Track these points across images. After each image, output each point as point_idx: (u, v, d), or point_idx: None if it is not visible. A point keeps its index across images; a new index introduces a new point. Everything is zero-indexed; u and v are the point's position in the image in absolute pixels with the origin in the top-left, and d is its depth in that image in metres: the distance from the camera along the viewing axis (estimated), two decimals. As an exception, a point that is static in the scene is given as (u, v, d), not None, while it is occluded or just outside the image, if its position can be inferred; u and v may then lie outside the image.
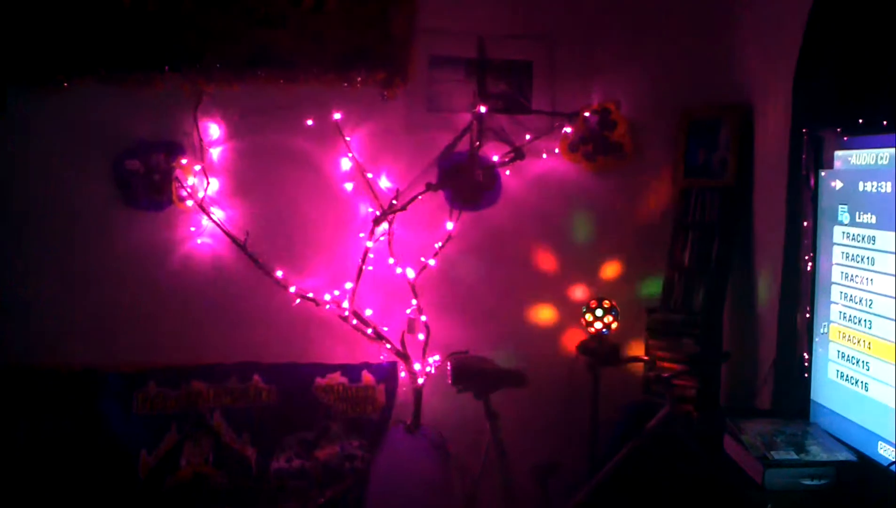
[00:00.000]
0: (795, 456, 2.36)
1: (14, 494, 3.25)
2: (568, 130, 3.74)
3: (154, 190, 3.65)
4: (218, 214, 3.66)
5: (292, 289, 3.67)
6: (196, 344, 3.67)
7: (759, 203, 3.41)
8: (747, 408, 3.23)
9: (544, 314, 3.85)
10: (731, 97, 3.58)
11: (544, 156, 3.75)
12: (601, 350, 3.63)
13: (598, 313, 3.61)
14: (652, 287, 3.79)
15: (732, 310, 3.55)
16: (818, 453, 2.38)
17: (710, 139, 3.60)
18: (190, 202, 3.64)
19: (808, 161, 2.67)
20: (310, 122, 3.65)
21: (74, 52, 3.54)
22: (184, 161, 3.64)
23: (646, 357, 3.61)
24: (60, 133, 3.61)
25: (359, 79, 3.67)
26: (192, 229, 3.68)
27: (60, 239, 3.64)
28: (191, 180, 3.63)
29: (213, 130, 3.67)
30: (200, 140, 3.63)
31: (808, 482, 2.31)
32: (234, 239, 3.65)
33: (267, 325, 3.71)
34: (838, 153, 2.54)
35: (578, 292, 3.84)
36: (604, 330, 3.61)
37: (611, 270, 3.84)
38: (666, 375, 3.37)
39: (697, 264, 3.58)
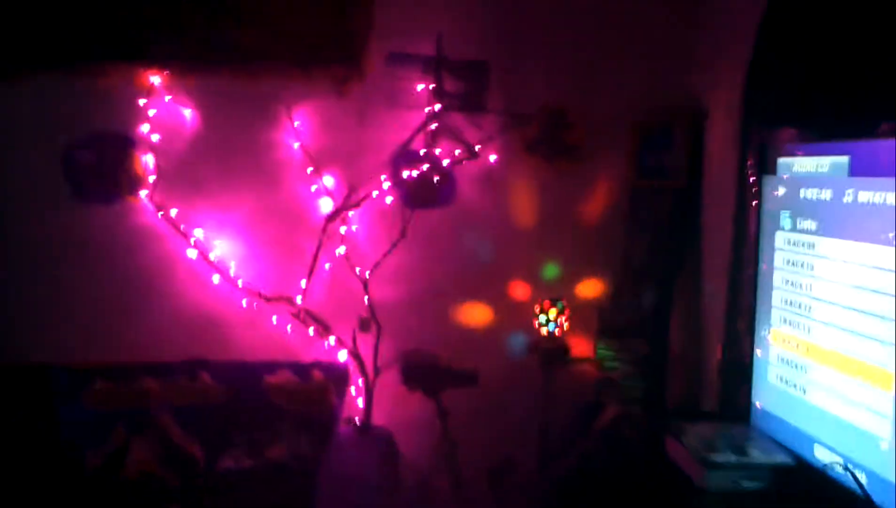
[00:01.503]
0: (735, 459, 2.40)
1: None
2: (524, 130, 3.74)
3: (105, 182, 3.60)
4: (169, 208, 3.61)
5: (241, 284, 3.63)
6: (145, 341, 3.64)
7: (708, 206, 3.45)
8: (692, 410, 3.27)
9: (497, 314, 3.86)
10: (685, 101, 3.61)
11: (499, 156, 3.75)
12: (552, 350, 3.65)
13: (551, 313, 3.62)
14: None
15: (681, 312, 3.59)
16: (757, 455, 2.42)
17: (662, 142, 3.63)
18: (142, 194, 3.59)
19: (753, 167, 2.70)
20: (265, 116, 3.62)
21: (23, 42, 3.48)
22: (135, 153, 3.58)
23: (595, 357, 3.63)
24: (7, 125, 3.54)
25: (315, 74, 3.64)
26: (143, 222, 3.63)
27: (9, 233, 3.59)
28: (142, 174, 3.58)
29: (166, 122, 3.61)
30: (153, 132, 3.58)
31: (747, 484, 2.35)
32: (184, 234, 3.60)
33: (217, 322, 3.68)
34: (781, 160, 2.59)
35: (531, 292, 3.84)
36: (554, 330, 3.62)
37: (564, 269, 3.85)
38: (614, 375, 3.40)
39: (647, 264, 3.62)
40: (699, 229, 3.49)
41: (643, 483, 2.63)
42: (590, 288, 3.84)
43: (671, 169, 3.60)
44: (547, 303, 3.63)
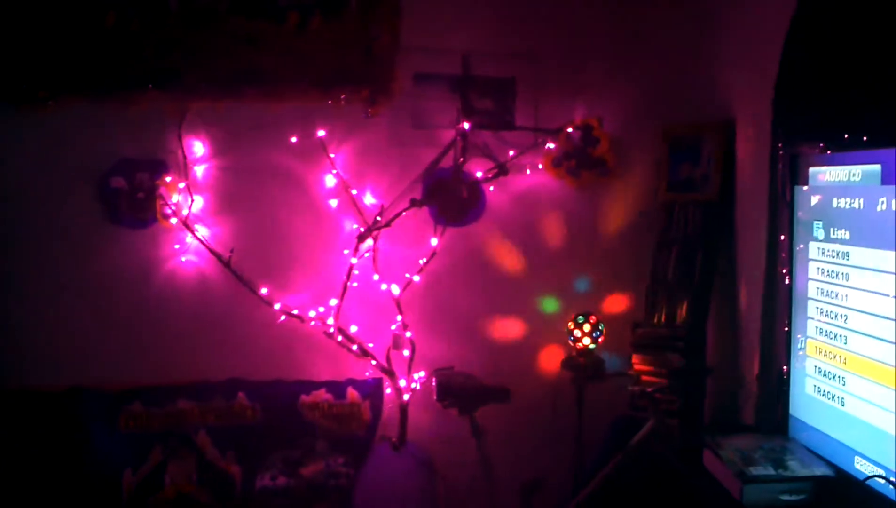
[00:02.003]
0: (773, 472, 2.37)
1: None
2: (551, 145, 3.76)
3: (138, 208, 3.66)
4: (202, 231, 3.67)
5: (277, 306, 3.67)
6: (181, 362, 3.67)
7: (741, 218, 3.42)
8: (730, 423, 3.24)
9: (529, 330, 3.86)
10: (714, 113, 3.59)
11: (528, 172, 3.77)
12: (586, 366, 3.63)
13: (585, 328, 3.61)
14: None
15: (717, 324, 3.56)
16: (796, 468, 2.39)
17: (692, 155, 3.62)
18: (174, 220, 3.65)
19: (785, 177, 2.69)
20: (294, 139, 3.66)
21: (58, 70, 3.56)
22: (168, 179, 3.65)
23: (630, 372, 3.61)
24: (44, 152, 3.61)
25: (342, 96, 3.68)
26: (177, 246, 3.69)
27: (45, 258, 3.65)
28: (175, 198, 3.64)
29: (198, 147, 3.68)
30: (184, 158, 3.65)
31: (786, 497, 2.32)
32: (218, 256, 3.65)
33: (252, 342, 3.71)
34: (813, 170, 2.57)
35: (562, 308, 3.83)
36: (590, 345, 3.61)
37: (595, 285, 3.85)
38: (650, 390, 3.38)
39: (681, 278, 3.59)
40: (733, 241, 3.47)
41: (680, 498, 2.61)
42: (624, 303, 3.82)
43: (702, 181, 3.58)
44: (580, 318, 3.62)
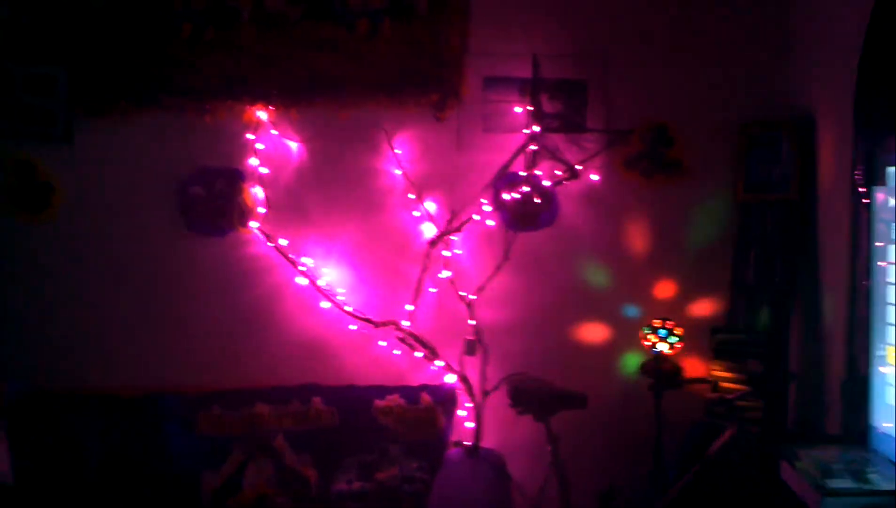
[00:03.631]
0: (854, 485, 2.28)
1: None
2: (624, 147, 3.69)
3: (217, 215, 3.74)
4: (278, 237, 3.72)
5: (351, 311, 3.70)
6: (258, 367, 3.74)
7: (823, 219, 3.32)
8: (815, 433, 3.14)
9: (603, 334, 3.81)
10: (792, 110, 3.50)
11: (598, 176, 3.72)
12: (663, 372, 3.57)
13: (662, 333, 3.55)
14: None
15: (800, 329, 3.45)
16: (878, 481, 2.29)
17: (770, 154, 3.53)
18: (251, 226, 3.71)
19: (862, 177, 2.59)
20: (366, 145, 3.70)
21: (137, 80, 3.67)
22: (244, 186, 3.71)
23: (709, 378, 3.53)
24: (125, 161, 3.73)
25: (412, 101, 3.70)
26: (254, 253, 3.74)
27: (126, 266, 3.76)
28: (252, 205, 3.70)
29: (272, 155, 3.73)
30: (260, 165, 3.70)
31: (867, 511, 2.23)
32: (293, 263, 3.70)
33: (327, 348, 3.75)
34: (890, 169, 2.46)
35: (638, 312, 3.77)
36: (667, 351, 3.55)
37: (670, 288, 3.78)
38: (730, 397, 3.30)
39: (761, 281, 3.50)
40: (815, 242, 3.36)
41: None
42: (701, 307, 3.74)
43: (780, 181, 3.49)
44: (658, 323, 3.56)
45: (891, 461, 2.42)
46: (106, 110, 3.68)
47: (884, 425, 2.52)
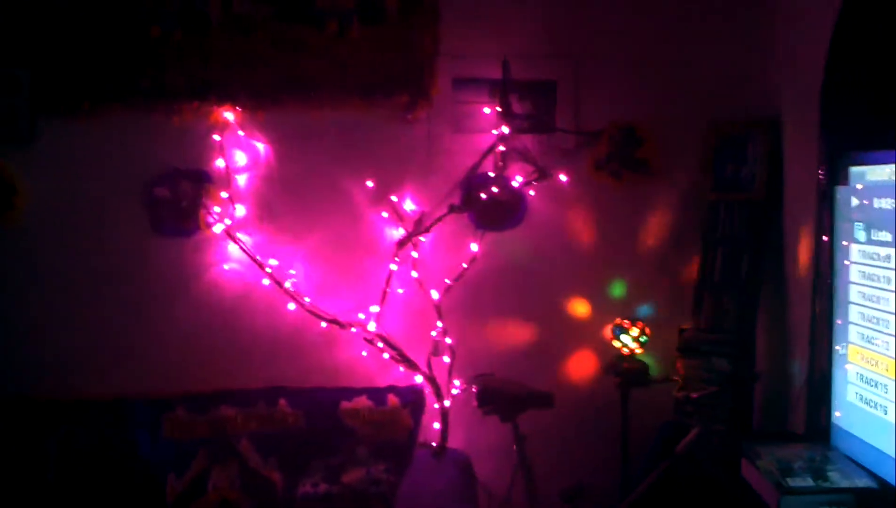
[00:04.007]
0: (812, 483, 2.27)
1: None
2: (593, 148, 3.69)
3: (182, 217, 3.70)
4: (244, 239, 3.69)
5: (317, 313, 3.67)
6: (223, 370, 3.69)
7: (789, 218, 3.33)
8: (778, 431, 3.14)
9: (570, 335, 3.79)
10: (760, 111, 3.51)
11: (567, 176, 3.71)
12: (630, 370, 3.57)
13: (630, 332, 3.54)
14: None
15: (766, 328, 3.46)
16: (837, 479, 2.29)
17: (738, 153, 3.53)
18: (217, 228, 3.68)
19: (826, 177, 2.59)
20: (334, 146, 3.68)
21: (102, 80, 3.63)
22: (211, 188, 3.68)
23: (676, 377, 3.52)
24: (89, 162, 3.67)
25: (383, 102, 3.68)
26: (219, 255, 3.71)
27: (89, 266, 3.70)
28: (217, 207, 3.68)
29: (240, 156, 3.71)
30: (227, 167, 3.68)
31: (826, 509, 2.22)
32: (260, 264, 3.67)
33: (293, 350, 3.72)
34: (853, 169, 2.47)
35: (604, 312, 3.76)
36: (635, 350, 3.55)
37: (637, 287, 3.77)
38: (695, 395, 3.30)
39: (728, 280, 3.50)
40: (781, 242, 3.37)
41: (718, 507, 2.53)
42: (669, 306, 3.73)
43: (748, 180, 3.49)
44: (626, 323, 3.56)
45: (851, 459, 2.42)
46: (70, 111, 3.62)
47: (844, 423, 2.52)
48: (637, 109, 3.71)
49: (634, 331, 3.56)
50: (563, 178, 3.72)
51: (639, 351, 3.58)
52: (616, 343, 3.59)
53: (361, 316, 3.69)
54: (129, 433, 3.50)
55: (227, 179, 3.68)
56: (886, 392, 2.29)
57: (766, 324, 3.45)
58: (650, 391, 3.54)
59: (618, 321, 3.59)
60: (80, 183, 3.68)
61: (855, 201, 2.48)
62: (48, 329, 3.70)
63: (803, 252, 3.13)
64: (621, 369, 3.58)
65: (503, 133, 3.67)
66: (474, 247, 3.69)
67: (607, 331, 3.65)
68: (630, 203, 3.74)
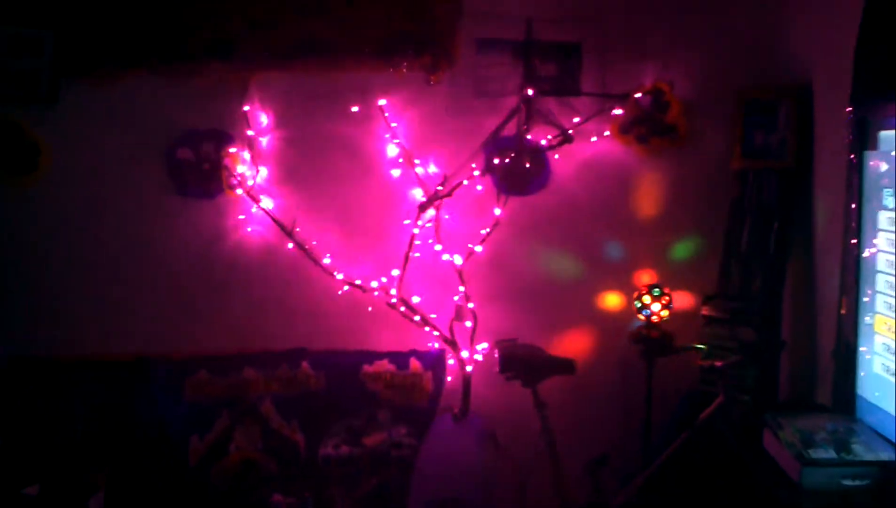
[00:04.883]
0: (835, 455, 2.24)
1: (72, 478, 3.35)
2: (619, 112, 3.63)
3: (204, 179, 3.70)
4: (266, 201, 3.69)
5: (340, 276, 3.67)
6: (246, 332, 3.72)
7: (819, 186, 3.25)
8: (803, 401, 3.10)
9: (594, 301, 3.76)
10: (790, 76, 3.41)
11: (594, 139, 3.65)
12: (655, 339, 3.53)
13: (653, 298, 3.51)
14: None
15: (794, 297, 3.40)
16: (860, 452, 2.25)
17: (768, 120, 3.44)
18: (239, 190, 3.67)
19: (855, 143, 2.52)
20: (355, 108, 3.65)
21: (124, 43, 3.62)
22: (233, 150, 3.67)
23: (701, 346, 3.48)
24: (112, 123, 3.67)
25: (404, 64, 3.64)
26: (242, 216, 3.71)
27: (112, 229, 3.72)
28: (240, 169, 3.67)
29: (261, 118, 3.69)
30: (249, 129, 3.66)
31: (848, 482, 2.19)
32: (282, 226, 3.66)
33: (315, 312, 3.73)
34: (883, 134, 2.39)
35: (629, 279, 3.72)
36: (660, 317, 3.51)
37: (663, 254, 3.72)
38: (719, 364, 3.26)
39: (755, 249, 3.44)
40: (810, 209, 3.30)
41: (740, 478, 2.50)
42: (694, 274, 3.68)
43: (778, 148, 3.41)
44: (648, 290, 3.52)
45: (875, 431, 2.38)
46: (93, 72, 3.61)
47: (871, 394, 2.47)
48: (665, 73, 3.62)
49: (659, 299, 3.51)
50: (588, 142, 3.65)
51: (664, 317, 3.54)
52: (640, 311, 3.55)
53: (384, 280, 3.68)
54: (151, 394, 3.54)
55: (249, 141, 3.66)
56: (913, 364, 2.25)
57: (793, 293, 3.38)
58: (674, 359, 3.50)
59: (642, 288, 3.55)
60: (104, 144, 3.69)
61: (884, 166, 2.40)
62: (71, 290, 3.73)
63: (832, 220, 3.06)
64: (645, 337, 3.54)
65: (526, 96, 3.60)
66: (497, 212, 3.65)
67: (631, 298, 3.60)
68: (657, 169, 3.69)
